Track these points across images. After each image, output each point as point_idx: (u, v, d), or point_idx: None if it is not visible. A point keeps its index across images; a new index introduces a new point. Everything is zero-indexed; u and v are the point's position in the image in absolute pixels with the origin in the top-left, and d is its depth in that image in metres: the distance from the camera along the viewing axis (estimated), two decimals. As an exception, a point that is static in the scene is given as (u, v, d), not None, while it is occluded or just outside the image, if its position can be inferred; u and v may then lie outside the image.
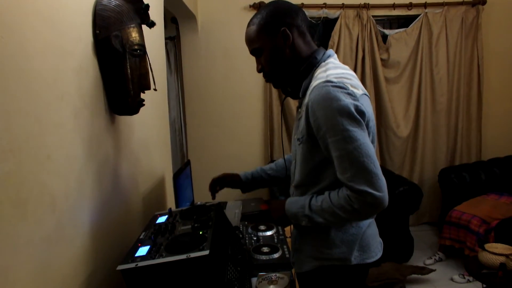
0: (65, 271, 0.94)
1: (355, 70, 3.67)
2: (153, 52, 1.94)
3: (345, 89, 1.03)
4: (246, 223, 2.12)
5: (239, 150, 3.77)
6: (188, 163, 2.04)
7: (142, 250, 1.07)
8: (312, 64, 1.16)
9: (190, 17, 3.48)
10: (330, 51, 1.21)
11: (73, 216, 0.99)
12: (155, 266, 0.98)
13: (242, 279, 1.18)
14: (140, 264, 0.99)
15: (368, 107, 1.09)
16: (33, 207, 0.81)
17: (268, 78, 1.24)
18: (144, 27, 1.32)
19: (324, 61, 1.16)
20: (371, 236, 1.20)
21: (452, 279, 2.93)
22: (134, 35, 1.24)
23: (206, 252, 0.99)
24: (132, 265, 0.99)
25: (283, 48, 1.16)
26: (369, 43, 3.69)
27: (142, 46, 1.27)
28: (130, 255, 1.05)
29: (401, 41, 3.77)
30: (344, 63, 4.11)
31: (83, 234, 1.03)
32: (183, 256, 0.99)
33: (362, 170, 0.99)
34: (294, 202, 1.17)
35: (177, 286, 1.01)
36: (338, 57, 3.65)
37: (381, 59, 3.76)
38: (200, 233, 1.12)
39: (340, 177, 1.04)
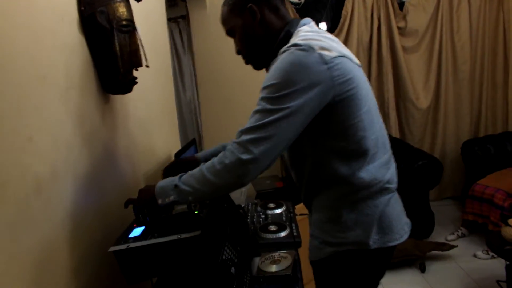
0: (55, 253, 0.92)
1: (370, 40, 3.52)
2: (154, 30, 1.89)
3: (312, 51, 0.95)
4: (256, 201, 2.08)
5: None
6: (193, 142, 2.01)
7: (137, 231, 1.06)
8: (286, 36, 1.08)
9: (198, -7, 3.40)
10: (306, 20, 1.13)
11: (62, 198, 0.97)
12: (147, 247, 0.97)
13: (240, 259, 1.15)
14: (132, 245, 0.97)
15: (349, 69, 1.00)
16: (14, 189, 0.79)
17: (247, 59, 1.19)
18: (133, 2, 1.27)
19: (297, 30, 1.08)
20: (393, 216, 1.08)
21: (475, 255, 2.83)
22: (121, 10, 1.18)
23: (198, 233, 0.96)
24: (124, 246, 0.97)
25: (253, 26, 1.10)
26: (385, 10, 3.51)
27: (130, 21, 1.22)
28: (123, 236, 1.04)
29: (419, 8, 3.57)
30: (358, 33, 3.90)
31: (75, 216, 1.01)
32: (175, 237, 0.96)
33: (260, 129, 0.93)
34: (168, 179, 1.04)
35: (169, 266, 0.99)
36: (352, 27, 3.59)
37: (398, 28, 3.57)
38: (196, 212, 1.09)
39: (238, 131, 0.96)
